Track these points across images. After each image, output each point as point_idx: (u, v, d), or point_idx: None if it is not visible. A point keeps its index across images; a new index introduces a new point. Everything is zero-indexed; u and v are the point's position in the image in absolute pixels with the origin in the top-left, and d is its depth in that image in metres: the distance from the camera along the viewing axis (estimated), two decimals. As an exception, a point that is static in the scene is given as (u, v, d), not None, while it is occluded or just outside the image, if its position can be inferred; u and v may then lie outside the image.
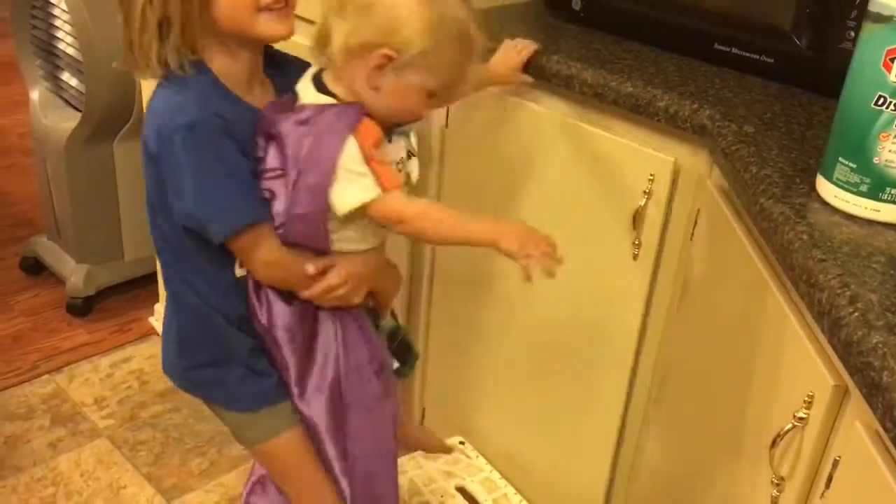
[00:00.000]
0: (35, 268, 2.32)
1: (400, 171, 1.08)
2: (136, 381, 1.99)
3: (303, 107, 1.02)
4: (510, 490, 1.47)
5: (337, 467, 1.16)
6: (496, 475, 1.50)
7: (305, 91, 1.04)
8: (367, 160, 0.99)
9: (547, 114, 1.27)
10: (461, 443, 1.57)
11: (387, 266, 1.19)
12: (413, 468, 1.51)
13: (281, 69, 1.10)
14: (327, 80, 1.03)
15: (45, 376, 2.01)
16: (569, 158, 1.26)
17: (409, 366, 1.26)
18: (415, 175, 1.11)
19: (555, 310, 1.36)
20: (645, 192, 1.15)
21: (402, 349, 1.24)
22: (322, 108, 1.01)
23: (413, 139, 1.10)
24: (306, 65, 1.09)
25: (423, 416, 1.69)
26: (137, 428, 1.88)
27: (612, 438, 1.34)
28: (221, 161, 0.99)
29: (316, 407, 1.13)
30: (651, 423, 1.26)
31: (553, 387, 1.41)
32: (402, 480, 1.47)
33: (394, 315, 1.26)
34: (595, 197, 1.24)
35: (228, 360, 1.12)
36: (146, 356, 2.06)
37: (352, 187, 0.99)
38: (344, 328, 1.12)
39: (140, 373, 2.00)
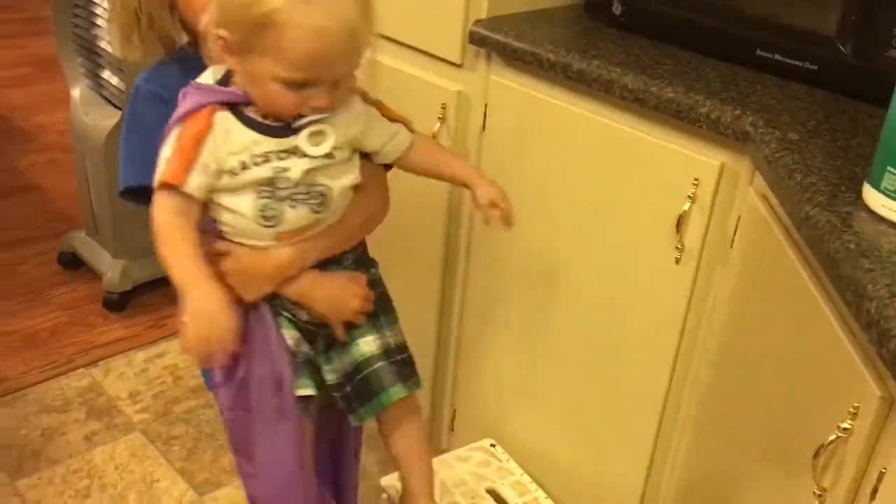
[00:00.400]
0: (72, 262, 2.36)
1: (259, 164, 0.99)
2: (170, 376, 2.02)
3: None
4: (541, 494, 1.47)
5: (242, 466, 1.16)
6: (527, 478, 1.50)
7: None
8: (174, 146, 0.97)
9: (586, 117, 1.27)
10: (492, 445, 1.57)
11: (318, 278, 1.09)
12: (444, 469, 1.51)
13: None
14: None
15: (81, 370, 2.04)
16: (609, 162, 1.26)
17: (362, 416, 1.14)
18: (294, 173, 1.00)
19: (592, 312, 1.35)
20: (689, 196, 1.15)
21: (363, 390, 1.13)
22: (194, 87, 1.00)
23: (326, 138, 1.00)
24: None
25: (453, 418, 1.70)
26: (171, 423, 1.91)
27: (649, 444, 1.33)
28: (144, 125, 1.07)
29: (223, 396, 1.11)
30: (689, 430, 1.25)
31: (588, 390, 1.41)
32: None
33: (385, 348, 1.14)
34: (636, 201, 1.23)
35: None
36: (180, 352, 2.08)
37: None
38: (251, 335, 1.08)
39: (174, 368, 2.03)
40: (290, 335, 1.09)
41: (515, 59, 1.32)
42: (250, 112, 1.00)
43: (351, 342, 1.13)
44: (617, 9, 1.34)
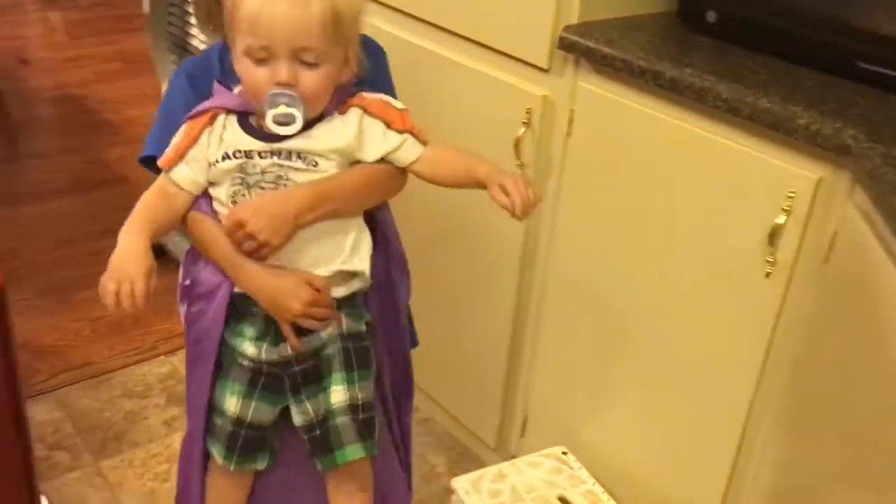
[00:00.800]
0: (157, 253, 2.41)
1: (238, 157, 1.08)
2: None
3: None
4: (613, 504, 1.46)
5: None
6: (599, 488, 1.49)
7: None
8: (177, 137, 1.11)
9: (677, 126, 1.25)
10: (564, 453, 1.56)
11: (267, 275, 1.12)
12: (514, 473, 1.51)
13: None
14: None
15: (162, 357, 2.10)
16: (700, 173, 1.24)
17: (320, 465, 1.17)
18: (261, 162, 1.08)
19: (677, 322, 1.34)
20: (784, 209, 1.12)
21: (324, 441, 1.15)
22: (218, 89, 1.13)
23: (295, 121, 1.04)
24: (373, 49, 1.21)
25: (524, 424, 1.69)
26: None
27: (729, 459, 1.31)
28: (171, 105, 1.17)
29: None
30: (773, 444, 1.22)
31: (667, 401, 1.39)
32: (504, 486, 1.48)
33: (353, 402, 1.16)
34: (727, 213, 1.21)
35: None
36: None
37: None
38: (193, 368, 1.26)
39: (250, 360, 2.07)
40: (236, 389, 1.19)
41: (605, 66, 1.31)
42: (253, 120, 1.10)
43: (324, 387, 1.16)
44: (711, 17, 1.32)
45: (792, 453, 1.18)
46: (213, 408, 1.22)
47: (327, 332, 1.15)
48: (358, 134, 1.10)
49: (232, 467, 1.21)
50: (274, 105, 1.03)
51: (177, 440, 1.85)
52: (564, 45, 1.36)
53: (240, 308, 1.17)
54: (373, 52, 1.19)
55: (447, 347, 1.81)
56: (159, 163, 1.13)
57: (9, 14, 4.43)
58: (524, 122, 1.46)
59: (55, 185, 2.88)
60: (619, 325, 1.43)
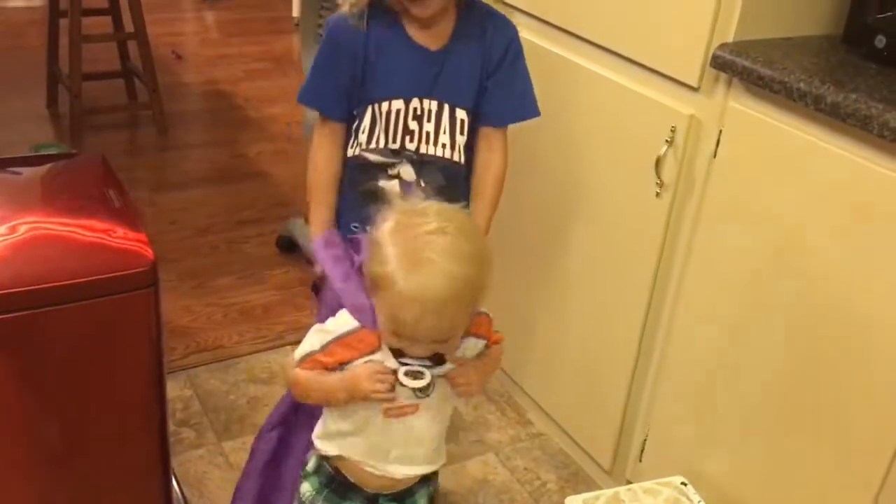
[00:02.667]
0: (289, 246, 2.52)
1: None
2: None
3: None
4: (732, 543, 1.40)
5: None
6: (718, 524, 1.43)
7: None
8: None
9: (836, 154, 1.19)
10: (683, 483, 1.51)
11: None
12: (630, 499, 1.47)
13: (468, 18, 1.37)
14: None
15: (288, 347, 2.17)
16: (861, 204, 1.17)
17: None
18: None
19: (815, 356, 1.27)
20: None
21: None
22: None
23: (424, 378, 1.14)
24: (502, 22, 1.39)
25: (642, 449, 1.65)
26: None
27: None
28: (326, 56, 1.37)
29: None
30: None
31: (802, 438, 1.32)
32: (618, 510, 1.44)
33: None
34: (890, 252, 1.14)
35: None
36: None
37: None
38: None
39: (370, 358, 2.11)
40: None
41: (761, 87, 1.27)
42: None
43: None
44: (880, 42, 1.25)
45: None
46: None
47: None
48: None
49: None
50: (407, 366, 1.13)
51: (296, 429, 1.91)
52: (718, 63, 1.32)
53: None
54: (506, 33, 1.40)
55: (567, 364, 1.79)
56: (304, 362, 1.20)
57: (167, 11, 4.71)
58: (667, 141, 1.43)
59: (199, 176, 3.04)
60: (753, 354, 1.37)
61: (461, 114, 1.37)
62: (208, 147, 3.29)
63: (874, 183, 1.15)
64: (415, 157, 1.37)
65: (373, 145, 1.37)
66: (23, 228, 1.20)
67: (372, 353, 1.14)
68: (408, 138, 1.36)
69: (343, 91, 1.36)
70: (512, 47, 1.39)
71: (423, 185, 1.38)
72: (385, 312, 1.09)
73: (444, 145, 1.37)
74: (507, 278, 1.92)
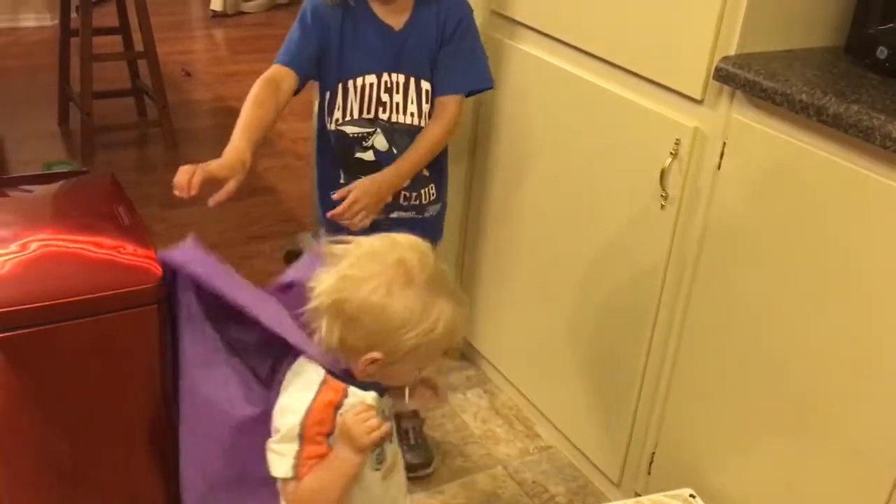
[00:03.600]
0: (294, 256, 2.53)
1: None
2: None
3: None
4: (742, 555, 1.39)
5: None
6: (727, 537, 1.43)
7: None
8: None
9: (838, 164, 1.20)
10: (691, 496, 1.51)
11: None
12: (639, 512, 1.47)
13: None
14: None
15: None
16: (862, 215, 1.18)
17: None
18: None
19: (825, 371, 1.27)
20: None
21: None
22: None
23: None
24: (456, 2, 1.53)
25: (651, 462, 1.65)
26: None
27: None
28: (300, 26, 1.50)
29: None
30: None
31: (811, 452, 1.32)
32: (627, 523, 1.44)
33: None
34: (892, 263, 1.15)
35: None
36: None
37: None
38: None
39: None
40: None
41: (763, 99, 1.27)
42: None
43: None
44: (882, 53, 1.26)
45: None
46: None
47: None
48: None
49: None
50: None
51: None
52: (721, 76, 1.33)
53: None
54: (458, 12, 1.55)
55: (575, 377, 1.79)
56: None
57: (177, 30, 4.76)
58: (672, 153, 1.43)
59: (209, 192, 3.05)
60: (761, 366, 1.37)
61: (426, 85, 1.54)
62: (217, 163, 3.31)
63: (876, 193, 1.15)
64: (387, 125, 1.54)
65: (348, 118, 1.54)
66: (33, 246, 1.22)
67: (344, 397, 1.07)
68: (381, 109, 1.53)
69: (306, 52, 1.50)
70: (462, 24, 1.54)
71: (395, 152, 1.55)
72: (416, 363, 1.07)
73: (412, 114, 1.55)
74: (514, 291, 1.93)
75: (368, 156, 1.57)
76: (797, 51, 1.37)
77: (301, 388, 1.08)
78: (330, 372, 1.09)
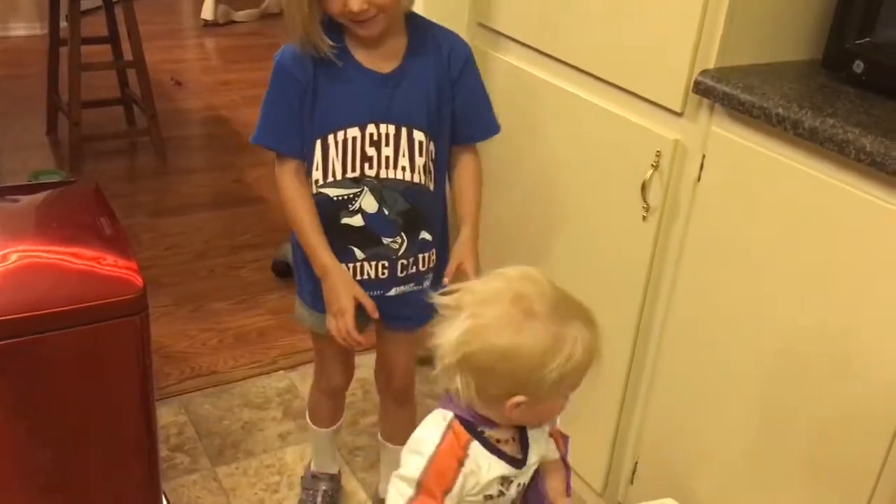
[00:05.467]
0: (285, 271, 2.53)
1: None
2: (361, 389, 2.11)
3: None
4: (722, 566, 1.40)
5: None
6: (708, 547, 1.43)
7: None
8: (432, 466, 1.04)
9: (814, 178, 1.21)
10: (673, 506, 1.51)
11: None
12: (621, 523, 1.47)
13: (419, 38, 1.37)
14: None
15: (282, 372, 2.18)
16: (838, 227, 1.19)
17: None
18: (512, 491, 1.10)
19: (804, 380, 1.28)
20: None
21: None
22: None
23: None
24: (457, 41, 1.41)
25: (634, 471, 1.65)
26: (357, 433, 1.99)
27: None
28: (275, 91, 1.34)
29: None
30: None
31: (797, 464, 1.33)
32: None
33: None
34: (867, 272, 1.16)
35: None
36: (371, 366, 2.17)
37: None
38: None
39: (365, 382, 2.11)
40: None
41: (741, 112, 1.28)
42: (490, 435, 1.07)
43: None
44: (858, 66, 1.27)
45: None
46: None
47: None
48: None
49: None
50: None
51: (289, 454, 1.92)
52: (700, 89, 1.34)
53: None
54: (462, 52, 1.41)
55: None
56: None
57: (168, 38, 4.77)
58: (653, 165, 1.45)
59: (197, 200, 3.06)
60: (742, 376, 1.38)
61: (419, 135, 1.36)
62: (207, 172, 3.32)
63: (848, 205, 1.17)
64: (375, 182, 1.36)
65: (330, 179, 1.35)
66: (13, 257, 1.22)
67: (466, 453, 1.04)
68: (367, 165, 1.35)
69: (297, 124, 1.34)
70: (468, 66, 1.41)
71: (386, 213, 1.38)
72: (561, 391, 1.04)
73: (403, 168, 1.36)
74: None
75: (356, 221, 1.37)
76: (776, 64, 1.38)
77: (431, 424, 1.07)
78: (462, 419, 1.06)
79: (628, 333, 1.58)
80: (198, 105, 3.87)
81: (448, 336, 1.00)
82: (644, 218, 1.49)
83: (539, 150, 1.74)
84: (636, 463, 1.64)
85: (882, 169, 1.10)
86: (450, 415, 1.06)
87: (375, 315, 1.40)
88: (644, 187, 1.46)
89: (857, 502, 1.23)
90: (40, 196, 1.48)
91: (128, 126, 3.49)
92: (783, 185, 1.26)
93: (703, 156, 1.38)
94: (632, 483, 1.66)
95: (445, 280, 1.42)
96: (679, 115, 1.41)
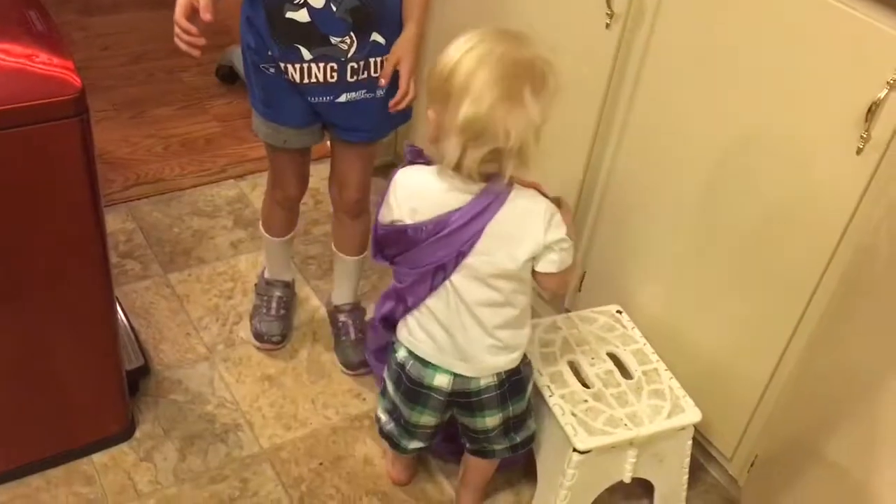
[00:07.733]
0: (229, 76, 2.43)
1: None
2: (312, 199, 2.09)
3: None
4: (661, 366, 1.47)
5: None
6: (649, 349, 1.50)
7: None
8: None
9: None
10: (618, 311, 1.58)
11: None
12: (568, 327, 1.53)
13: None
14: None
15: (231, 181, 2.14)
16: (804, 31, 1.16)
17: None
18: None
19: (753, 188, 1.30)
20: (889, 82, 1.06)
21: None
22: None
23: None
24: None
25: (581, 281, 1.70)
26: (309, 242, 2.00)
27: (785, 337, 1.30)
28: None
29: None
30: (838, 323, 1.21)
31: (731, 273, 1.38)
32: (556, 337, 1.50)
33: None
34: (829, 78, 1.15)
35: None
36: (323, 177, 2.14)
37: None
38: None
39: (315, 192, 2.09)
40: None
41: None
42: None
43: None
44: None
45: (845, 333, 1.17)
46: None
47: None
48: None
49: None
50: None
51: (242, 262, 1.92)
52: None
53: None
54: None
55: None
56: None
57: None
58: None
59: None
60: (690, 185, 1.40)
61: None
62: (140, -33, 3.08)
63: (816, 12, 1.14)
64: None
65: None
66: (-65, 53, 1.13)
67: None
68: None
69: None
70: None
71: (334, 9, 1.32)
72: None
73: None
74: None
75: (302, 15, 1.32)
76: None
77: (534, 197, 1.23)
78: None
79: (584, 145, 1.57)
80: None
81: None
82: (608, 25, 1.44)
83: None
84: (584, 272, 1.69)
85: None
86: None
87: (207, 17, 1.37)
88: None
89: (793, 312, 1.29)
90: (-42, -14, 1.35)
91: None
92: (753, -7, 1.21)
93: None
94: (579, 290, 1.72)
95: (382, 82, 1.39)
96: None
